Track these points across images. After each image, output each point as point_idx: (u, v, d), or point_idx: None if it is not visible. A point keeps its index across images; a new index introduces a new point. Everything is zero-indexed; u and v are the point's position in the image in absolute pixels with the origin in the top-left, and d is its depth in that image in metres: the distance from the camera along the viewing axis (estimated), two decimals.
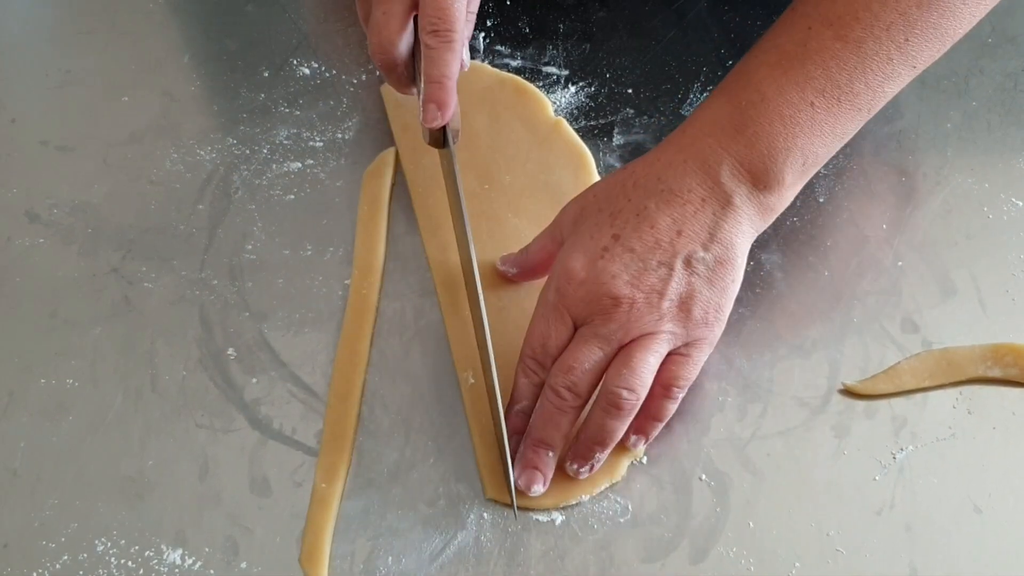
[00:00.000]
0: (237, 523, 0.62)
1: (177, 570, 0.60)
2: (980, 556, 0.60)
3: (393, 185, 0.76)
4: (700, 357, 0.61)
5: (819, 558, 0.60)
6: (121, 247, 0.73)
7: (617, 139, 0.77)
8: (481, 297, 0.63)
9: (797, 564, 0.59)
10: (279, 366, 0.67)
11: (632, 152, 0.77)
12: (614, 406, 0.59)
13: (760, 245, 0.71)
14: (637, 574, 0.59)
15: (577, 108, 0.80)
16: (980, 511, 0.61)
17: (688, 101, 0.79)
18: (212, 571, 0.60)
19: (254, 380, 0.67)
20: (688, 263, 0.60)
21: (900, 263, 0.71)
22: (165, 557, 0.60)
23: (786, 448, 0.64)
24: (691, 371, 0.61)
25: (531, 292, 0.69)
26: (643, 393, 0.60)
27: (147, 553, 0.61)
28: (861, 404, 0.65)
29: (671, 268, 0.59)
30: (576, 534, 0.61)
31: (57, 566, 0.60)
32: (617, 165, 0.76)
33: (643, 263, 0.59)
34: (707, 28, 0.84)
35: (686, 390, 0.62)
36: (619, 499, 0.62)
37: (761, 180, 0.60)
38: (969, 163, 0.75)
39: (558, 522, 0.61)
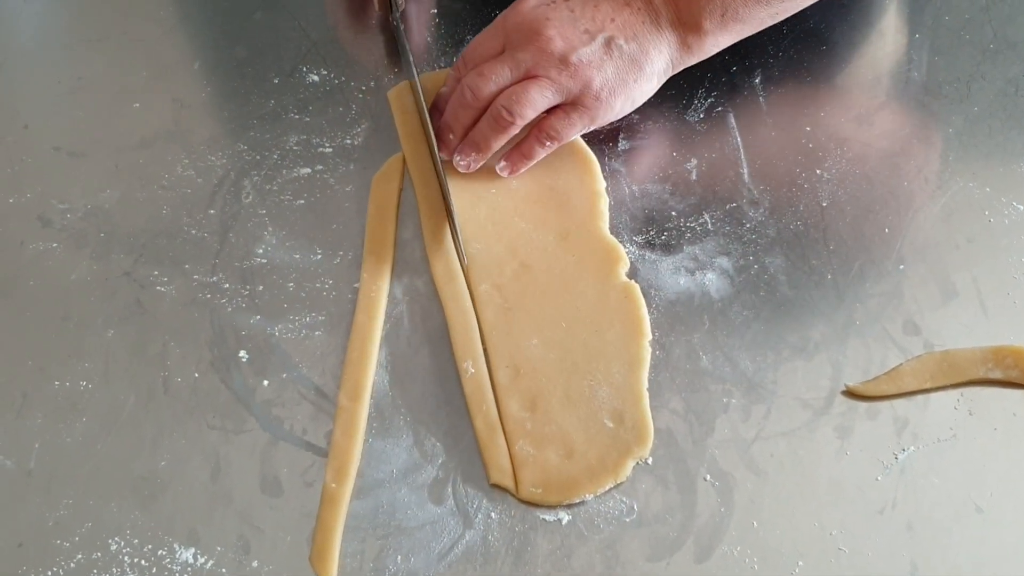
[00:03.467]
0: (248, 522, 0.63)
1: (189, 569, 0.61)
2: (981, 556, 0.60)
3: (401, 190, 0.77)
4: (579, 121, 0.72)
5: (822, 557, 0.60)
6: (133, 251, 0.74)
7: (622, 144, 0.78)
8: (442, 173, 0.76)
9: (800, 563, 0.60)
10: (290, 368, 0.68)
11: (637, 157, 0.78)
12: (494, 119, 0.71)
13: (764, 249, 0.72)
14: (642, 573, 0.60)
15: None
16: (981, 511, 0.62)
17: (692, 107, 0.80)
18: (224, 570, 0.61)
19: (265, 382, 0.68)
20: (608, 43, 0.70)
21: (902, 266, 0.71)
22: (177, 556, 0.61)
23: (789, 449, 0.64)
24: (567, 129, 0.72)
25: (534, 293, 0.70)
26: (520, 121, 0.71)
27: (160, 552, 0.61)
28: (863, 405, 0.66)
29: (593, 38, 0.70)
30: (582, 533, 0.62)
31: (71, 565, 0.61)
32: (622, 170, 0.77)
33: (575, 23, 0.70)
34: None
35: (555, 143, 0.73)
36: (624, 499, 0.63)
37: (683, 18, 0.70)
38: (970, 167, 0.76)
39: (564, 521, 0.62)
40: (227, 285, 0.72)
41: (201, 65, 0.86)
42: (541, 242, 0.73)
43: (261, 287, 0.72)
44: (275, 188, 0.77)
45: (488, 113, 0.72)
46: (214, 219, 0.76)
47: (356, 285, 0.72)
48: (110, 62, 0.86)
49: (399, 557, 0.61)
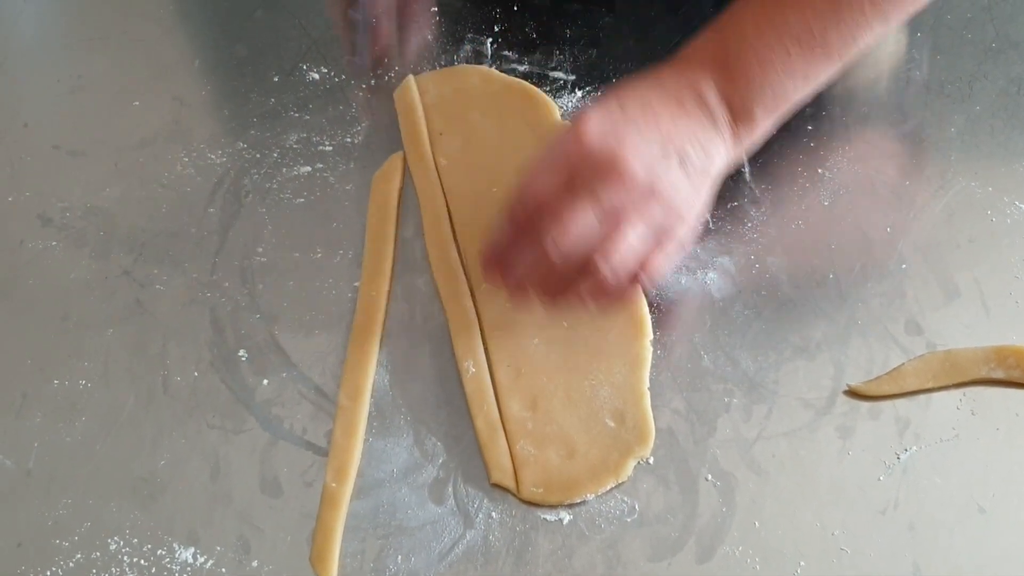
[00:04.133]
0: (248, 522, 0.62)
1: (189, 569, 0.61)
2: (983, 556, 0.60)
3: (402, 189, 0.77)
4: (676, 254, 0.64)
5: (824, 557, 0.60)
6: (133, 250, 0.74)
7: None
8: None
9: (802, 563, 0.60)
10: (289, 367, 0.68)
11: None
12: (598, 281, 0.61)
13: (766, 248, 0.72)
14: (644, 573, 0.60)
15: None
16: (984, 511, 0.62)
17: None
18: (223, 570, 0.61)
19: (265, 381, 0.68)
20: (683, 159, 0.62)
21: (904, 266, 0.71)
22: (177, 556, 0.61)
23: (791, 449, 0.64)
24: (668, 266, 0.66)
25: None
26: (624, 277, 0.62)
27: (159, 552, 0.61)
28: (865, 405, 0.66)
29: (668, 157, 0.61)
30: (583, 533, 0.62)
31: (70, 564, 0.61)
32: None
33: (647, 142, 0.61)
34: None
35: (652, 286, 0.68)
36: (626, 499, 0.63)
37: (736, 112, 0.64)
38: (973, 167, 0.76)
39: (565, 521, 0.62)
40: (227, 284, 0.72)
41: (201, 64, 0.85)
42: None
43: (261, 286, 0.72)
44: (275, 187, 0.77)
45: (589, 274, 0.61)
46: (214, 218, 0.75)
47: (356, 284, 0.72)
48: (110, 61, 0.86)
49: (399, 557, 0.61)
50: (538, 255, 0.60)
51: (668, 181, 0.61)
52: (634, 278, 0.62)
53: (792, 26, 0.63)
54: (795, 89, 0.65)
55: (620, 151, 0.60)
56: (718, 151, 0.64)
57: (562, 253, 0.60)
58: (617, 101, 0.63)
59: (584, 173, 0.60)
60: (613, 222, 0.60)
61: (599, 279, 0.60)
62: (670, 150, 0.61)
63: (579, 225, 0.59)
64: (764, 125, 0.66)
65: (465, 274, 0.72)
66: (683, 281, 0.71)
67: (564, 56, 0.84)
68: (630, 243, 0.60)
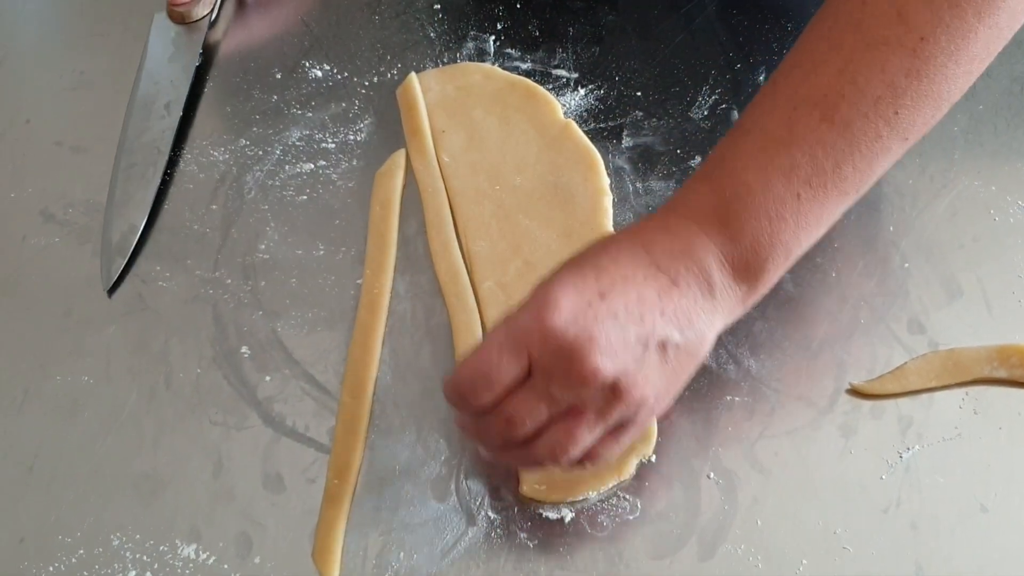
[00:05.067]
0: (250, 519, 0.62)
1: (191, 564, 0.61)
2: (986, 555, 0.60)
3: (404, 186, 0.77)
4: (628, 440, 0.57)
5: (826, 556, 0.60)
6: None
7: (626, 141, 0.78)
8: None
9: (804, 562, 0.60)
10: (292, 364, 0.68)
11: (641, 154, 0.77)
12: (536, 459, 0.56)
13: None
14: (646, 571, 0.60)
15: (586, 110, 0.80)
16: (986, 510, 0.62)
17: (696, 104, 0.80)
18: (226, 566, 0.61)
19: (267, 378, 0.68)
20: (663, 348, 0.54)
21: (907, 265, 0.71)
22: (179, 552, 0.61)
23: (793, 447, 0.64)
24: (615, 452, 0.58)
25: None
26: (567, 465, 0.56)
27: (162, 548, 0.61)
28: (868, 404, 0.66)
29: (646, 348, 0.53)
30: (585, 531, 0.62)
31: (73, 560, 0.61)
32: (626, 167, 0.77)
33: (623, 335, 0.53)
34: (715, 32, 0.85)
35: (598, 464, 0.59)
36: (628, 496, 0.63)
37: (742, 274, 0.56)
38: (976, 166, 0.76)
39: (567, 519, 0.62)
40: (229, 281, 0.72)
41: (203, 60, 0.85)
42: (545, 240, 0.73)
43: (263, 283, 0.72)
44: (277, 184, 0.77)
45: (531, 451, 0.56)
46: (216, 215, 0.75)
47: (359, 281, 0.72)
48: (112, 57, 0.86)
49: (401, 554, 0.61)
50: (491, 436, 0.56)
51: (641, 376, 0.54)
52: (582, 461, 0.57)
53: (801, 168, 0.55)
54: (808, 237, 0.56)
55: (589, 347, 0.52)
56: (713, 325, 0.56)
57: (508, 441, 0.55)
58: (596, 279, 0.54)
59: (543, 362, 0.53)
60: (565, 425, 0.54)
61: (543, 460, 0.56)
62: (651, 342, 0.54)
63: (528, 421, 0.54)
64: (773, 281, 0.58)
65: (468, 272, 0.72)
66: None
67: (567, 54, 0.84)
68: (579, 439, 0.54)
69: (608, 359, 0.52)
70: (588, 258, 0.56)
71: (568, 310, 0.52)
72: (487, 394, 0.54)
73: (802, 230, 0.56)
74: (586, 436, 0.54)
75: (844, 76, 0.54)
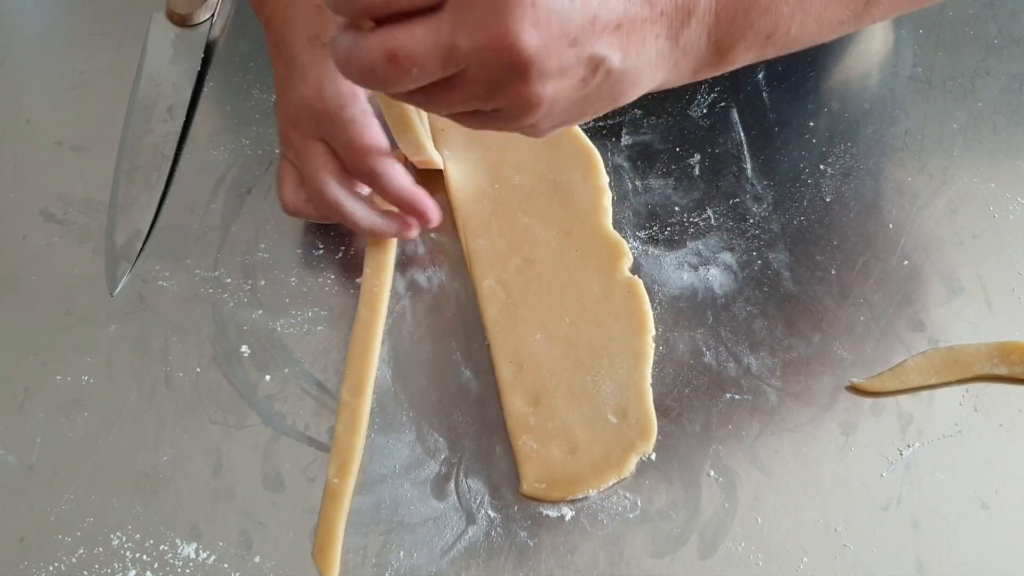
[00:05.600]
0: (250, 518, 0.62)
1: (191, 564, 0.61)
2: (986, 552, 0.60)
3: None
4: (485, 126, 0.50)
5: (827, 553, 0.60)
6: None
7: (625, 139, 0.78)
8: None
9: (805, 559, 0.60)
10: (292, 363, 0.68)
11: (640, 152, 0.77)
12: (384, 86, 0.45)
13: (768, 244, 0.72)
14: (646, 569, 0.60)
15: None
16: (987, 507, 0.62)
17: (695, 102, 0.80)
18: (226, 565, 0.61)
19: (267, 377, 0.68)
20: (594, 65, 0.46)
21: (906, 262, 0.71)
22: (180, 551, 0.61)
23: (793, 445, 0.64)
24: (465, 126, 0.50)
25: (537, 288, 0.69)
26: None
27: (162, 547, 0.61)
28: (868, 401, 0.66)
29: (580, 53, 0.45)
30: (586, 529, 0.62)
31: (73, 560, 0.61)
32: (625, 165, 0.77)
33: (566, 19, 0.43)
34: None
35: None
36: (628, 495, 0.63)
37: (721, 29, 0.49)
38: (975, 163, 0.76)
39: (567, 517, 0.62)
40: (229, 280, 0.72)
41: (203, 59, 0.85)
42: (544, 237, 0.73)
43: (263, 282, 0.72)
44: None
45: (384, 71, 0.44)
46: (216, 214, 0.75)
47: (358, 280, 0.72)
48: (112, 57, 0.86)
49: (401, 553, 0.61)
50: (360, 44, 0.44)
51: (552, 86, 0.45)
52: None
53: None
54: (797, 29, 0.52)
55: (519, 8, 0.42)
56: (656, 69, 0.49)
57: (383, 85, 0.45)
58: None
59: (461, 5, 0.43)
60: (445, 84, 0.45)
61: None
62: (586, 49, 0.45)
63: (415, 70, 0.43)
64: (741, 58, 0.52)
65: (468, 268, 0.72)
66: (685, 277, 0.71)
67: None
68: (448, 103, 0.46)
69: (534, 33, 0.43)
70: None
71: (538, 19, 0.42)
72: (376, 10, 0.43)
73: (795, 17, 0.51)
74: (456, 102, 0.46)
75: None
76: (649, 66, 0.48)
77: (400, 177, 0.67)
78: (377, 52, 0.43)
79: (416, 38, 0.43)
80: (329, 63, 0.66)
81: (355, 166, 0.66)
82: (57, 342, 0.70)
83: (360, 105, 0.66)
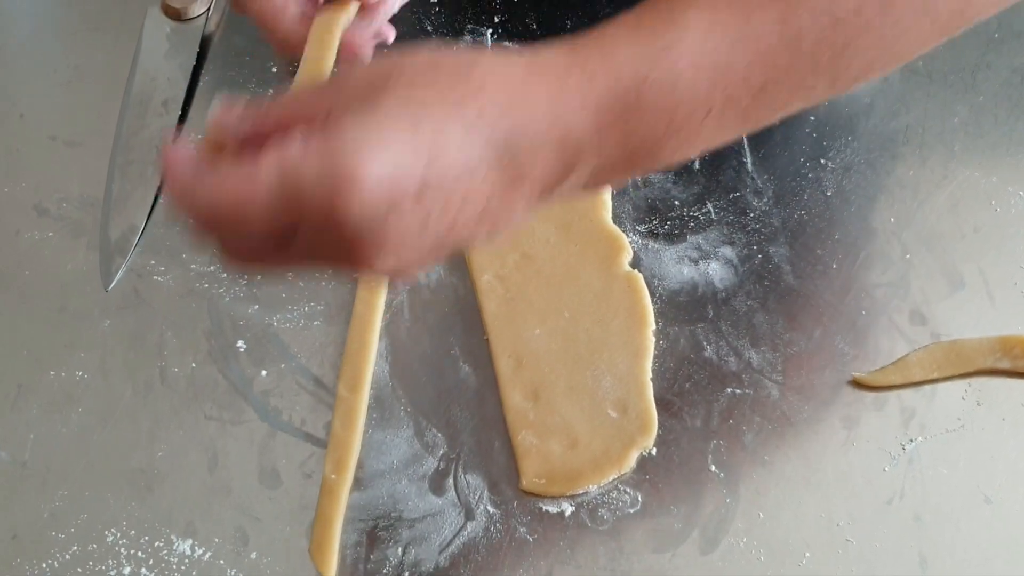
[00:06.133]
0: (247, 514, 0.62)
1: (187, 560, 0.60)
2: (990, 546, 0.60)
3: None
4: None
5: (829, 548, 0.60)
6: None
7: None
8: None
9: (807, 554, 0.59)
10: (288, 358, 0.68)
11: None
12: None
13: (768, 238, 0.71)
14: (647, 564, 0.60)
15: None
16: (990, 501, 0.61)
17: None
18: (222, 561, 0.60)
19: (263, 372, 0.67)
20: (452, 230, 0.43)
21: (908, 256, 0.71)
22: (175, 548, 0.61)
23: (795, 439, 0.64)
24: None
25: (536, 283, 0.69)
26: None
27: (157, 544, 0.61)
28: (870, 396, 0.65)
29: (437, 248, 0.43)
30: (586, 525, 0.61)
31: (67, 557, 0.60)
32: None
33: (420, 241, 0.42)
34: None
35: None
36: (628, 490, 0.62)
37: (598, 113, 0.44)
38: (976, 157, 0.75)
39: (567, 513, 0.61)
40: (225, 275, 0.71)
41: (198, 54, 0.85)
42: (543, 232, 0.72)
43: (259, 277, 0.71)
44: None
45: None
46: None
47: (356, 275, 0.71)
48: (107, 53, 0.85)
49: (400, 549, 0.60)
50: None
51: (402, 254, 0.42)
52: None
53: (735, 68, 0.45)
54: (687, 130, 0.46)
55: (372, 249, 0.41)
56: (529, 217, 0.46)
57: None
58: (426, 158, 0.40)
59: (310, 234, 0.41)
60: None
61: None
62: (447, 242, 0.43)
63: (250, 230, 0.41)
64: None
65: (466, 263, 0.71)
66: (685, 271, 0.70)
67: None
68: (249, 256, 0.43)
69: (389, 258, 0.42)
70: (424, 105, 0.41)
71: (372, 201, 0.39)
72: (235, 227, 0.41)
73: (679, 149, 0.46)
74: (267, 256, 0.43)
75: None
76: (523, 219, 0.45)
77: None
78: (222, 202, 0.40)
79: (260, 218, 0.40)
80: None
81: None
82: (51, 338, 0.69)
83: None
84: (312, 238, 0.41)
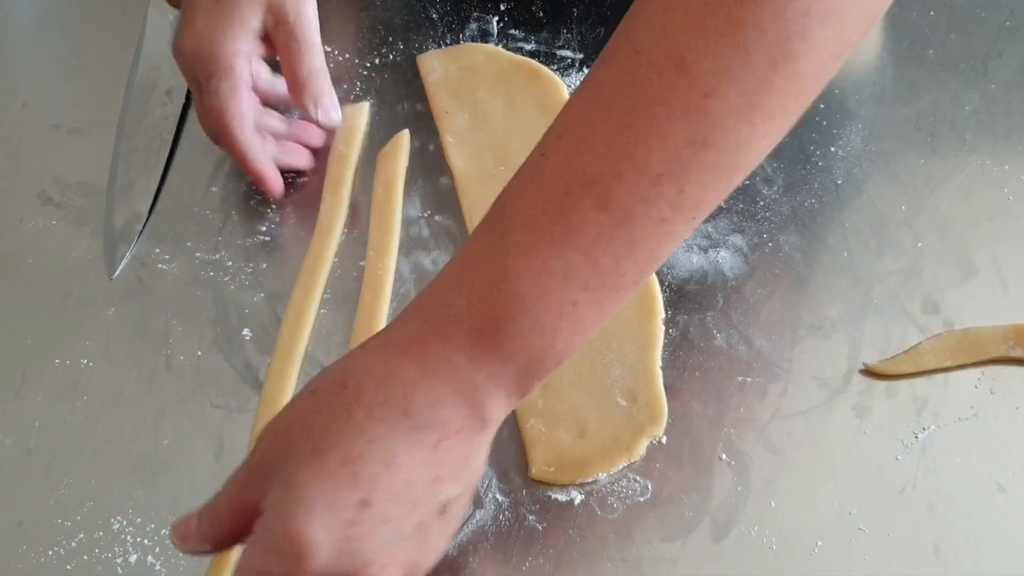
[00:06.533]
0: None
1: None
2: (1004, 534, 0.59)
3: (407, 167, 0.75)
4: None
5: (841, 537, 0.59)
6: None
7: None
8: None
9: (820, 543, 0.59)
10: None
11: None
12: None
13: (778, 227, 0.71)
14: (658, 553, 0.59)
15: None
16: (1003, 490, 0.60)
17: None
18: None
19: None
20: (443, 511, 0.49)
21: (920, 244, 0.70)
22: None
23: (807, 428, 0.63)
24: None
25: None
26: None
27: (164, 531, 0.60)
28: (882, 384, 0.64)
29: (426, 528, 0.48)
30: (595, 513, 0.60)
31: (72, 544, 0.60)
32: None
33: (399, 533, 0.47)
34: None
35: None
36: (638, 478, 0.62)
37: (515, 392, 0.49)
38: (988, 145, 0.75)
39: (577, 501, 0.61)
40: (230, 263, 0.71)
41: None
42: None
43: (265, 265, 0.71)
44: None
45: None
46: (216, 197, 0.74)
47: (362, 263, 0.70)
48: (109, 40, 0.85)
49: None
50: None
51: (425, 549, 0.49)
52: None
53: (578, 271, 0.46)
54: (582, 341, 0.49)
55: (366, 572, 0.46)
56: (486, 445, 0.50)
57: None
58: (352, 482, 0.45)
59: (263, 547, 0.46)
60: None
61: None
62: (430, 518, 0.48)
63: None
64: (543, 382, 0.51)
65: None
66: (695, 260, 0.70)
67: (571, 35, 0.82)
68: None
69: (393, 570, 0.47)
70: (329, 445, 0.46)
71: (329, 545, 0.45)
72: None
73: (577, 336, 0.48)
74: None
75: (619, 150, 0.46)
76: (479, 455, 0.50)
77: (252, 152, 0.69)
78: None
79: None
80: (217, 18, 0.69)
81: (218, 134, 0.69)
82: (55, 326, 0.68)
83: (233, 77, 0.68)
84: None
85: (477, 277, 0.48)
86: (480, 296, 0.48)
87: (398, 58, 0.82)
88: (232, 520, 0.49)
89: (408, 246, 0.72)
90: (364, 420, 0.46)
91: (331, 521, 0.45)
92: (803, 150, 0.74)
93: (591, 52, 0.81)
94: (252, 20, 0.69)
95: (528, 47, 0.82)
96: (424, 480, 0.47)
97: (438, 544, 0.50)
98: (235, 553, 0.58)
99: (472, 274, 0.48)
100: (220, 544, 0.50)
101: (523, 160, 0.63)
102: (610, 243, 0.46)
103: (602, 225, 0.46)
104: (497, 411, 0.49)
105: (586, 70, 0.80)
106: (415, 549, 0.48)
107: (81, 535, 0.60)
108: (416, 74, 0.81)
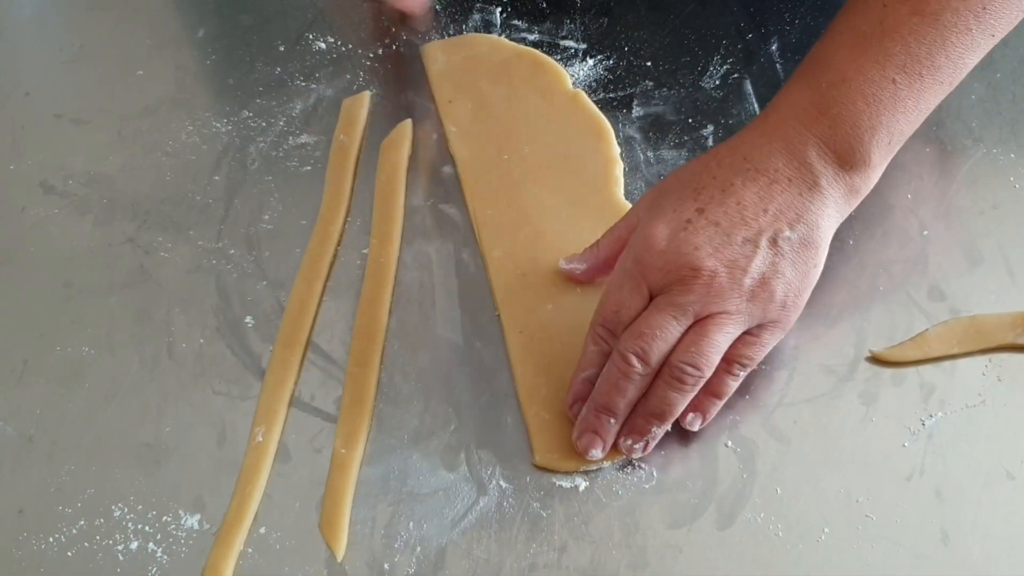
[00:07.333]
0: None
1: (195, 535, 0.59)
2: (1012, 521, 0.58)
3: (410, 156, 0.75)
4: (771, 340, 0.59)
5: (848, 524, 0.58)
6: (136, 217, 0.73)
7: (636, 111, 0.77)
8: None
9: (826, 530, 0.58)
10: None
11: (652, 123, 0.76)
12: (677, 380, 0.57)
13: None
14: (663, 539, 0.58)
15: (595, 80, 0.79)
16: (1012, 477, 0.60)
17: (708, 73, 0.78)
18: None
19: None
20: (774, 242, 0.57)
21: (926, 232, 0.69)
22: (183, 522, 0.59)
23: (813, 415, 0.62)
24: (759, 353, 0.59)
25: (547, 259, 0.68)
26: (708, 372, 0.57)
27: (165, 518, 0.60)
28: (888, 371, 0.64)
29: (756, 245, 0.57)
30: (600, 500, 0.60)
31: (73, 531, 0.59)
32: (637, 136, 0.75)
33: (727, 237, 0.57)
34: (726, 1, 0.83)
35: (749, 370, 0.60)
36: (643, 465, 0.61)
37: (847, 160, 0.58)
38: (995, 134, 0.74)
39: (581, 488, 0.60)
40: (233, 251, 0.71)
41: (205, 33, 0.84)
42: (555, 208, 0.71)
43: (267, 253, 0.70)
44: (281, 155, 0.75)
45: (666, 376, 0.58)
46: (219, 185, 0.74)
47: (365, 251, 0.70)
48: (112, 30, 0.85)
49: (411, 524, 0.59)
50: (623, 372, 0.58)
51: (759, 273, 0.57)
52: (729, 370, 0.59)
53: (895, 56, 0.56)
54: (908, 122, 0.58)
55: (695, 254, 0.57)
56: (825, 213, 0.58)
57: (645, 362, 0.57)
58: (694, 197, 0.58)
59: (659, 283, 0.58)
60: (698, 327, 0.57)
61: (683, 379, 0.57)
62: (760, 240, 0.57)
63: (659, 332, 0.57)
64: (881, 167, 0.60)
65: (477, 240, 0.70)
66: None
67: (575, 25, 0.82)
68: (714, 340, 0.57)
69: (713, 258, 0.57)
70: (688, 178, 0.60)
71: (668, 234, 0.58)
72: (620, 327, 0.59)
73: (900, 113, 0.57)
74: (721, 340, 0.57)
75: None
76: (814, 214, 0.58)
77: None
78: (630, 340, 0.58)
79: (647, 316, 0.58)
80: None
81: None
82: (57, 314, 0.68)
83: None
84: (662, 286, 0.59)
85: (808, 68, 0.60)
86: (809, 79, 0.59)
87: (402, 48, 0.82)
88: (611, 249, 0.64)
89: (411, 235, 0.71)
90: (715, 168, 0.59)
91: (673, 219, 0.58)
92: None
93: (594, 42, 0.81)
94: None
95: (531, 37, 0.82)
96: (754, 205, 0.58)
97: (766, 275, 0.57)
98: (235, 540, 0.58)
99: (805, 68, 0.60)
100: (595, 269, 0.66)
101: (526, 149, 0.70)
102: (923, 39, 0.56)
103: (916, 25, 0.56)
104: (826, 176, 0.58)
105: (589, 60, 0.80)
106: (743, 258, 0.57)
107: (82, 522, 0.59)
108: (420, 64, 0.81)
